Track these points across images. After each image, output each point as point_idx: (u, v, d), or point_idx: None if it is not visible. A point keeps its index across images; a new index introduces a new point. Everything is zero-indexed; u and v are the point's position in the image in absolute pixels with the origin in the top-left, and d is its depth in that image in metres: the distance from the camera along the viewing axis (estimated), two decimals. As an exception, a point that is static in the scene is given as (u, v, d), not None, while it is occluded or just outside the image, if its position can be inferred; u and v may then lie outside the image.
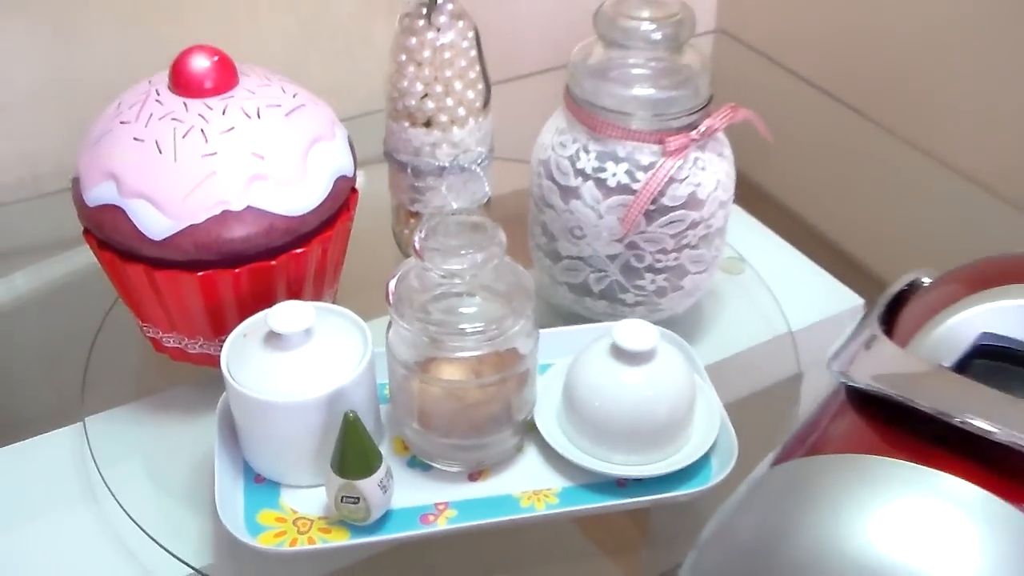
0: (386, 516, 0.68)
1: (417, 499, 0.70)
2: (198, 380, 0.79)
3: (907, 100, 1.62)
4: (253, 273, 0.72)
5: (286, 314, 0.68)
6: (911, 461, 0.41)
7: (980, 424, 0.41)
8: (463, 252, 0.65)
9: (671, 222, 0.76)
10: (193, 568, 0.69)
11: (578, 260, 0.79)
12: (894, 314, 0.52)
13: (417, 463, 0.72)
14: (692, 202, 0.76)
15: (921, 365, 0.45)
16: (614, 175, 0.75)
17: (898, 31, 1.61)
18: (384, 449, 0.71)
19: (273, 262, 0.73)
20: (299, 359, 0.68)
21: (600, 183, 0.76)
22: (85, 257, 0.82)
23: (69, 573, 0.70)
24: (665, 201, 0.75)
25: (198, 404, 0.78)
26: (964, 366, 0.46)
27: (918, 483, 0.40)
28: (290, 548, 0.67)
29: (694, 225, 0.77)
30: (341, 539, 0.67)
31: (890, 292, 0.53)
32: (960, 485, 0.39)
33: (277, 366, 0.68)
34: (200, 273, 0.72)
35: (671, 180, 0.75)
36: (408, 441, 0.72)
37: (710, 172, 0.76)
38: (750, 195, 1.07)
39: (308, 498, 0.70)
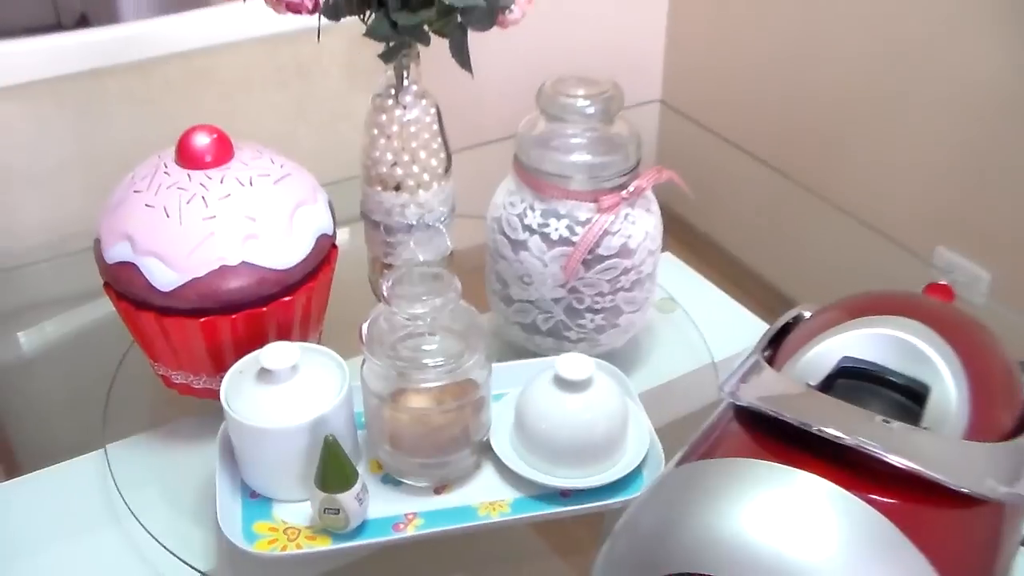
0: (363, 525, 0.72)
1: (389, 510, 0.73)
2: (202, 411, 0.82)
3: (818, 160, 1.67)
4: (247, 319, 0.76)
5: (275, 353, 0.72)
6: (779, 463, 0.45)
7: (832, 432, 0.45)
8: (424, 298, 0.69)
9: (606, 269, 0.80)
10: (200, 572, 0.73)
11: (527, 303, 0.83)
12: (780, 341, 0.56)
13: (389, 479, 0.76)
14: (624, 251, 0.80)
15: (792, 386, 0.50)
16: (556, 230, 0.79)
17: (809, 106, 1.67)
18: (361, 468, 0.75)
19: (264, 309, 0.77)
20: (287, 391, 0.72)
21: (545, 236, 0.80)
22: (103, 308, 0.85)
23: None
24: (601, 251, 0.79)
25: (202, 432, 0.81)
26: (829, 385, 0.51)
27: (781, 480, 0.44)
28: (281, 552, 0.70)
29: (626, 271, 0.81)
30: (324, 544, 0.71)
31: (775, 326, 0.57)
32: (815, 480, 0.43)
33: (268, 398, 0.72)
34: (202, 319, 0.76)
35: (605, 233, 0.79)
36: (381, 461, 0.76)
37: (639, 225, 0.81)
38: (686, 235, 1.12)
39: (296, 511, 0.73)
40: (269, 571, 0.74)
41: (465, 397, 0.72)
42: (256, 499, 0.75)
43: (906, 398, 0.50)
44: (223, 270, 0.75)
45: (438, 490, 0.75)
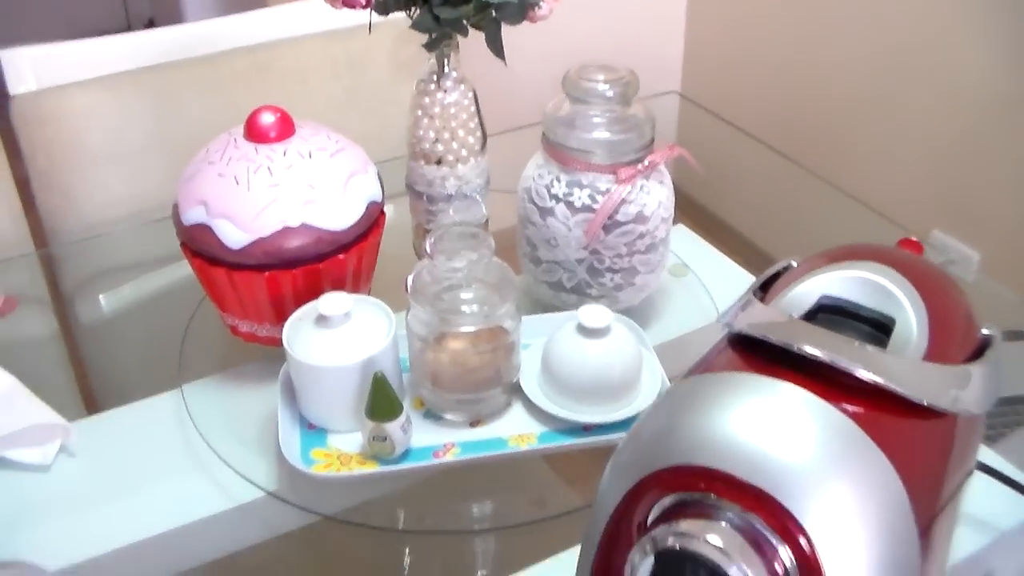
0: (407, 452, 0.77)
1: (430, 440, 0.79)
2: (265, 357, 0.87)
3: (826, 148, 1.71)
4: (306, 273, 0.82)
5: (331, 301, 0.78)
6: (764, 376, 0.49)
7: (810, 350, 0.49)
8: (462, 253, 0.74)
9: (624, 233, 0.85)
10: (266, 491, 0.78)
11: (554, 263, 0.88)
12: (770, 285, 0.61)
13: (430, 415, 0.81)
14: (639, 218, 0.85)
15: (778, 316, 0.54)
16: (579, 198, 0.84)
17: (819, 98, 1.71)
18: (405, 404, 0.79)
19: (321, 265, 0.82)
20: (341, 335, 0.78)
21: (569, 204, 0.85)
22: (175, 273, 0.90)
23: (173, 501, 0.79)
24: (619, 217, 0.84)
25: (265, 375, 0.86)
26: (810, 318, 0.55)
27: (765, 389, 0.48)
28: (335, 474, 0.76)
29: (641, 236, 0.86)
30: (372, 468, 0.76)
31: (768, 272, 0.62)
32: (795, 390, 0.48)
33: (324, 340, 0.77)
34: (267, 273, 0.81)
35: (623, 202, 0.84)
36: (423, 398, 0.81)
37: (653, 195, 0.85)
38: (700, 216, 1.16)
39: (348, 440, 0.79)
40: (323, 492, 0.78)
41: (497, 341, 0.77)
42: (313, 430, 0.80)
43: (875, 330, 0.54)
44: (285, 231, 0.80)
45: (473, 424, 0.80)
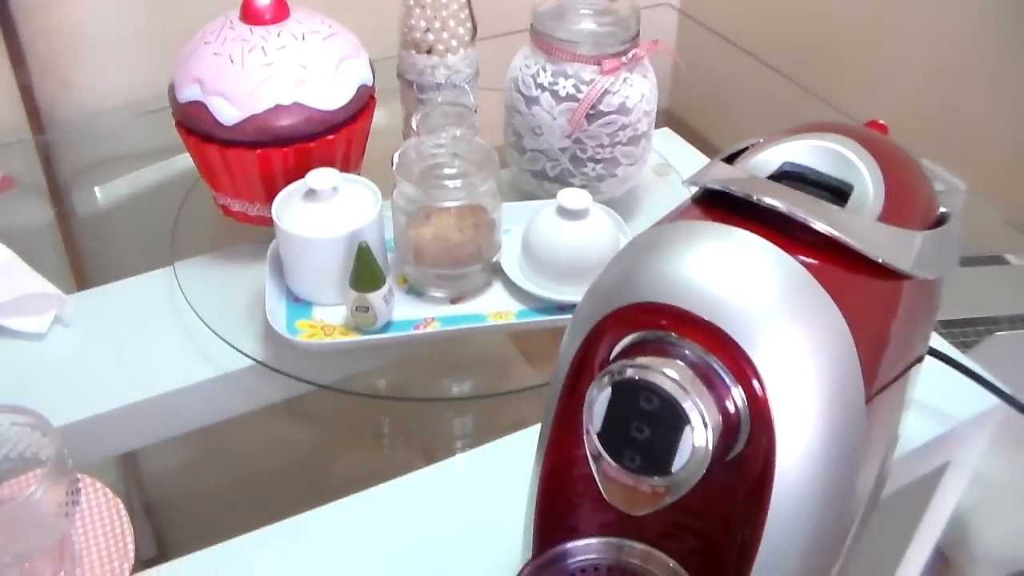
0: (388, 324, 0.80)
1: (412, 314, 0.81)
2: (255, 238, 0.90)
3: (824, 70, 1.72)
4: (297, 152, 0.84)
5: (320, 175, 0.80)
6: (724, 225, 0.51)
7: (769, 200, 0.51)
8: (447, 129, 0.77)
9: (606, 123, 0.87)
10: (254, 359, 0.80)
11: (538, 152, 0.90)
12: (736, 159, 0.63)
13: (413, 291, 0.84)
14: (622, 110, 0.87)
15: (741, 174, 0.56)
16: (564, 87, 0.86)
17: (817, 18, 1.71)
18: (389, 281, 0.82)
19: (312, 144, 0.84)
20: (328, 209, 0.80)
21: (554, 93, 0.87)
22: (172, 166, 0.92)
23: (163, 369, 0.81)
24: (602, 107, 0.86)
25: (255, 254, 0.88)
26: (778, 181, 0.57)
27: (725, 236, 0.50)
28: (318, 341, 0.78)
29: (624, 127, 0.88)
30: (354, 337, 0.79)
31: (737, 146, 0.64)
32: (754, 237, 0.50)
33: (312, 213, 0.80)
34: (258, 151, 0.83)
35: (606, 92, 0.86)
36: (407, 275, 0.84)
37: (636, 88, 0.88)
38: (689, 130, 1.18)
39: (332, 312, 0.81)
40: (307, 363, 0.81)
41: (478, 218, 0.79)
42: (299, 303, 0.83)
43: (834, 196, 0.57)
44: (278, 108, 0.82)
45: (454, 301, 0.83)
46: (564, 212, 0.79)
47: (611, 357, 0.52)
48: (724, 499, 0.53)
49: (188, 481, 0.81)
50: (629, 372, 0.47)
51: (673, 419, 0.46)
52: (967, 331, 1.13)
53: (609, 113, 0.86)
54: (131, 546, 0.67)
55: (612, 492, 0.51)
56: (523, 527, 0.58)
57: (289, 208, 0.80)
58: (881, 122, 0.67)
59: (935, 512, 0.89)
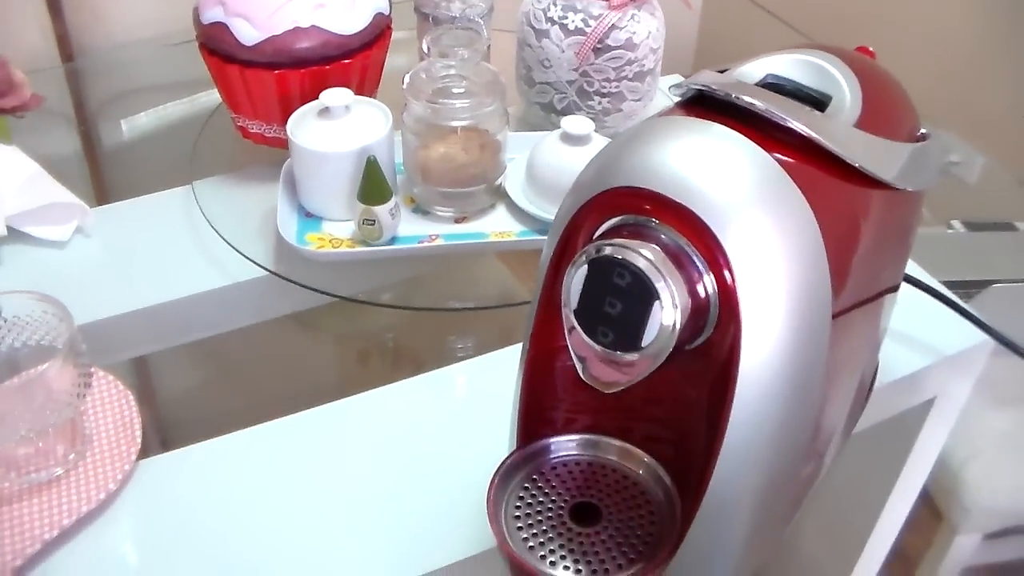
0: (394, 239, 0.83)
1: (417, 231, 0.84)
2: (271, 160, 0.92)
3: (846, 32, 1.73)
4: (313, 74, 0.87)
5: (334, 93, 0.83)
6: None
7: (747, 99, 0.54)
8: (457, 50, 0.80)
9: (613, 58, 0.90)
10: (265, 268, 0.83)
11: (546, 84, 0.93)
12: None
13: (420, 210, 0.87)
14: (629, 45, 0.90)
15: (724, 78, 0.58)
16: (572, 21, 0.89)
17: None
18: (396, 198, 0.85)
19: (328, 67, 0.87)
20: (341, 126, 0.83)
21: (563, 27, 0.90)
22: (197, 103, 0.95)
23: (180, 277, 0.85)
24: (609, 42, 0.89)
25: (270, 174, 0.91)
26: None
27: (704, 130, 0.53)
28: (325, 250, 0.82)
29: (630, 63, 0.91)
30: (360, 247, 0.82)
31: (724, 67, 0.66)
32: (731, 132, 0.52)
33: (325, 130, 0.83)
34: (276, 72, 0.87)
35: (613, 27, 0.88)
36: (414, 195, 0.87)
37: (644, 25, 0.90)
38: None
39: (341, 227, 0.84)
40: (316, 274, 0.83)
41: (484, 139, 0.82)
42: (310, 218, 0.86)
43: (814, 106, 0.59)
44: (296, 31, 0.85)
45: (458, 220, 0.85)
46: (568, 138, 0.82)
47: (595, 238, 0.54)
48: (693, 386, 0.56)
49: (198, 386, 0.84)
50: (605, 250, 0.50)
51: (644, 295, 0.49)
52: (969, 290, 1.15)
53: (616, 48, 0.89)
54: (139, 433, 0.71)
55: (587, 369, 0.54)
56: (509, 421, 0.61)
57: (303, 125, 0.83)
58: (870, 48, 0.70)
59: (922, 447, 0.91)
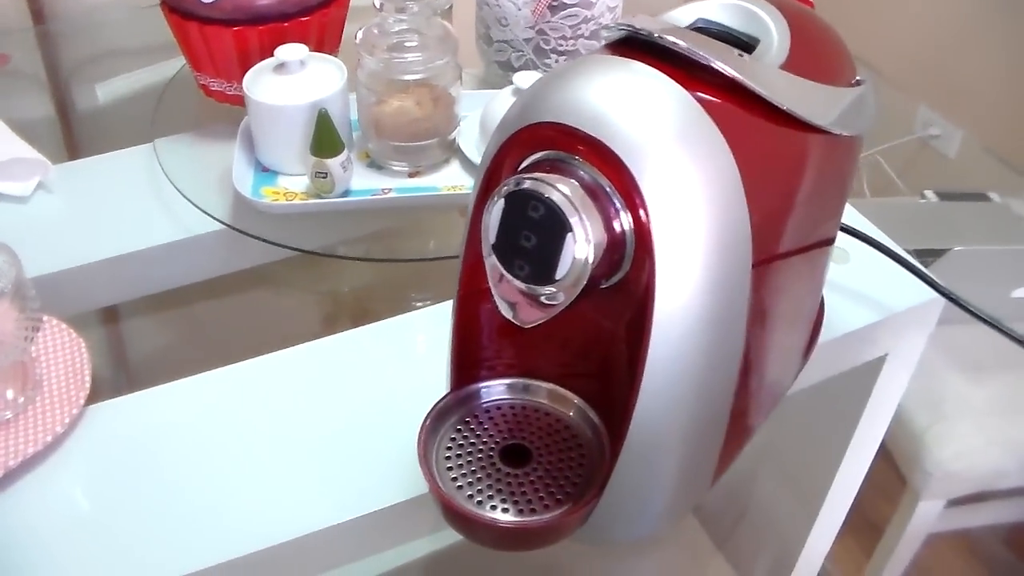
0: (347, 192, 0.83)
1: (371, 185, 0.85)
2: (231, 118, 0.92)
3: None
4: (272, 31, 0.87)
5: (288, 49, 0.84)
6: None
7: (670, 39, 0.53)
8: (409, 4, 0.80)
9: (569, 16, 0.90)
10: (221, 222, 0.84)
11: (504, 43, 0.93)
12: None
13: (374, 165, 0.87)
14: (584, 3, 0.90)
15: (650, 21, 0.58)
16: (529, -21, 0.90)
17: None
18: (348, 152, 0.86)
19: (286, 24, 0.88)
20: (295, 81, 0.83)
21: (519, -16, 0.90)
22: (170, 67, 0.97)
23: (139, 230, 0.86)
24: (565, 0, 0.89)
25: (230, 132, 0.91)
26: None
27: (627, 68, 0.52)
28: (278, 203, 0.82)
29: (587, 20, 0.91)
30: (313, 200, 0.83)
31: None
32: (652, 70, 0.52)
33: (281, 85, 0.83)
34: (235, 28, 0.87)
35: (570, -16, 0.89)
36: (369, 151, 0.87)
37: (600, -17, 0.91)
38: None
39: (296, 182, 0.85)
40: (272, 229, 0.84)
41: (436, 93, 0.83)
42: (266, 172, 0.86)
43: (742, 50, 0.59)
44: (254, -13, 0.86)
45: (412, 175, 0.86)
46: (520, 93, 0.82)
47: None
48: (616, 324, 0.57)
49: (159, 338, 0.85)
50: (522, 184, 0.50)
51: (557, 227, 0.49)
52: (937, 257, 1.16)
53: (572, 6, 0.89)
54: (88, 379, 0.72)
55: (505, 304, 0.54)
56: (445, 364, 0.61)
57: (259, 81, 0.84)
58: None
59: (877, 404, 0.92)
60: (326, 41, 0.92)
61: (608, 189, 0.50)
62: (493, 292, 0.54)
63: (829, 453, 0.98)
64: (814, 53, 0.61)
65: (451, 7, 1.01)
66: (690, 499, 0.61)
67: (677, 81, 0.52)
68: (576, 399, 0.62)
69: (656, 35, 0.54)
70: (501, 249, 0.52)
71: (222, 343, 0.90)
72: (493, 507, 0.57)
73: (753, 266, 0.53)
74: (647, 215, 0.49)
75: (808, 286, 0.67)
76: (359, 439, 0.68)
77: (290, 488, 0.65)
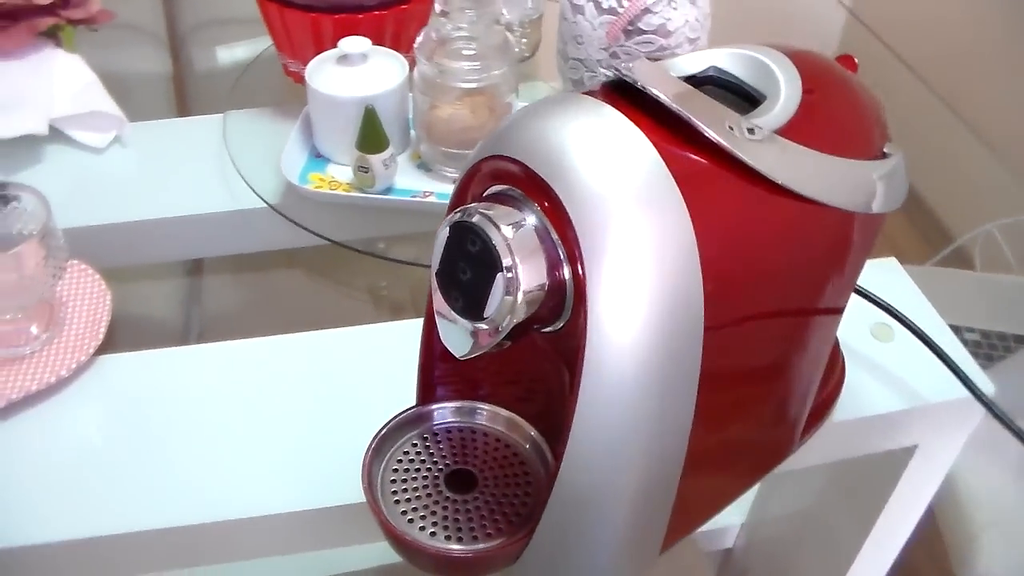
0: (389, 190, 0.84)
1: (414, 186, 0.86)
2: (303, 100, 0.92)
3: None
4: (347, 20, 0.89)
5: (352, 41, 0.85)
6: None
7: (653, 91, 0.51)
8: (468, 11, 0.80)
9: (644, 42, 0.88)
10: (264, 200, 0.87)
11: (577, 61, 0.92)
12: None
13: (423, 166, 0.88)
14: (662, 31, 0.88)
15: (649, 67, 0.56)
16: (608, 0, 0.88)
17: None
18: (405, 156, 0.87)
19: (361, 16, 0.89)
20: (355, 73, 0.85)
21: (597, 4, 0.88)
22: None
23: (194, 195, 0.89)
24: (641, 25, 0.87)
25: (297, 114, 0.93)
26: (696, 86, 0.57)
27: (592, 109, 0.50)
28: (319, 190, 0.84)
29: (662, 49, 0.89)
30: (351, 192, 0.84)
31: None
32: (616, 115, 0.50)
33: (341, 76, 0.85)
34: (312, 15, 0.89)
35: (647, 11, 0.87)
36: (420, 152, 0.88)
37: (681, 12, 0.88)
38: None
39: (344, 171, 0.86)
40: (315, 216, 0.86)
41: (491, 102, 0.83)
42: (319, 158, 0.88)
43: (747, 104, 0.56)
44: (336, -21, 0.88)
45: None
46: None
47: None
48: (563, 366, 0.56)
49: (186, 302, 0.88)
50: (463, 215, 0.50)
51: (490, 265, 0.48)
52: (994, 343, 1.09)
53: (648, 32, 0.87)
54: (103, 330, 0.75)
55: (443, 332, 0.54)
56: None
57: (321, 69, 0.86)
58: (852, 57, 0.66)
59: (902, 495, 0.87)
60: (403, 37, 0.93)
61: (553, 236, 0.49)
62: (436, 317, 0.54)
63: (851, 536, 0.94)
64: (826, 118, 0.58)
65: (540, 16, 1.01)
66: (634, 563, 0.59)
67: (655, 134, 0.50)
68: (533, 431, 0.62)
69: (639, 83, 0.52)
70: (441, 276, 0.52)
71: (249, 314, 0.92)
72: (432, 533, 0.57)
73: (708, 329, 0.51)
74: (583, 268, 0.48)
75: (799, 356, 0.63)
76: (343, 433, 0.68)
77: (265, 468, 0.67)
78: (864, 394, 0.76)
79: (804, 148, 0.55)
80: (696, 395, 0.52)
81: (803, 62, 0.59)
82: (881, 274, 0.83)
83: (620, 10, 0.87)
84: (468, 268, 0.50)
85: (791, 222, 0.55)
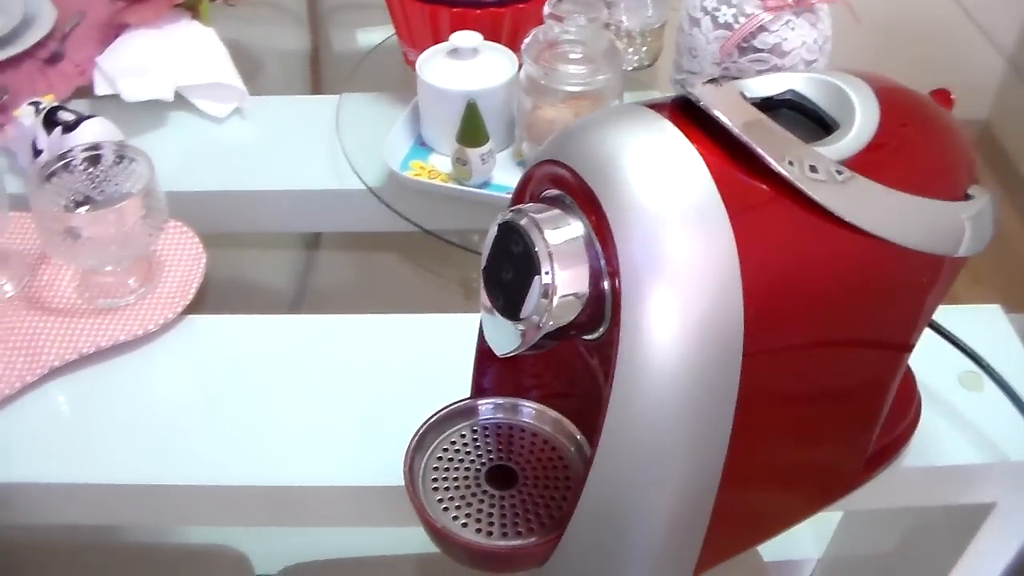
0: (486, 184, 0.86)
1: (512, 183, 0.86)
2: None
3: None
4: (463, 14, 0.91)
5: (463, 36, 0.87)
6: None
7: (715, 112, 0.51)
8: (576, 15, 0.81)
9: (757, 60, 0.88)
10: (366, 185, 0.89)
11: (690, 74, 0.92)
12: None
13: (523, 164, 0.89)
14: (777, 51, 0.87)
15: (719, 90, 0.54)
16: (724, 14, 0.87)
17: None
18: (507, 153, 0.88)
19: (478, 11, 0.91)
20: (465, 67, 0.87)
21: (714, 19, 0.88)
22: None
23: (302, 171, 0.93)
24: (756, 43, 0.87)
25: (409, 101, 0.95)
26: (770, 108, 0.56)
27: (651, 123, 0.50)
28: (415, 178, 0.87)
29: (776, 69, 0.88)
30: (447, 182, 0.86)
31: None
32: (675, 132, 0.49)
33: (450, 69, 0.87)
34: (430, 6, 0.92)
35: (763, 28, 0.86)
36: (522, 151, 0.89)
37: (798, 33, 0.87)
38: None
39: (445, 162, 0.88)
40: (411, 198, 0.88)
41: (596, 106, 0.83)
42: (423, 147, 0.91)
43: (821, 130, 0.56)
44: (456, -24, 0.90)
45: (553, 183, 0.88)
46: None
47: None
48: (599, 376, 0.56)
49: (285, 271, 0.92)
50: (512, 216, 0.51)
51: (528, 268, 0.49)
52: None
53: (762, 51, 0.87)
54: (193, 290, 0.79)
55: (486, 328, 0.55)
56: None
57: (432, 61, 0.88)
58: (949, 93, 0.65)
59: (978, 552, 0.84)
60: (520, 35, 0.94)
61: (596, 246, 0.49)
62: (481, 312, 0.55)
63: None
64: (902, 152, 0.56)
65: (663, 26, 1.01)
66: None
67: (714, 155, 0.50)
68: (579, 434, 0.62)
69: (702, 103, 0.52)
70: (488, 275, 0.53)
71: (344, 294, 0.95)
72: (464, 524, 0.58)
73: (748, 355, 0.50)
74: (619, 283, 0.48)
75: (858, 389, 0.62)
76: (411, 416, 0.67)
77: (326, 441, 0.70)
78: (942, 442, 0.73)
79: (869, 182, 0.53)
80: (732, 419, 0.51)
81: (887, 93, 0.57)
82: (981, 320, 0.80)
83: (736, 26, 0.86)
84: (511, 268, 0.51)
85: (849, 257, 0.53)
